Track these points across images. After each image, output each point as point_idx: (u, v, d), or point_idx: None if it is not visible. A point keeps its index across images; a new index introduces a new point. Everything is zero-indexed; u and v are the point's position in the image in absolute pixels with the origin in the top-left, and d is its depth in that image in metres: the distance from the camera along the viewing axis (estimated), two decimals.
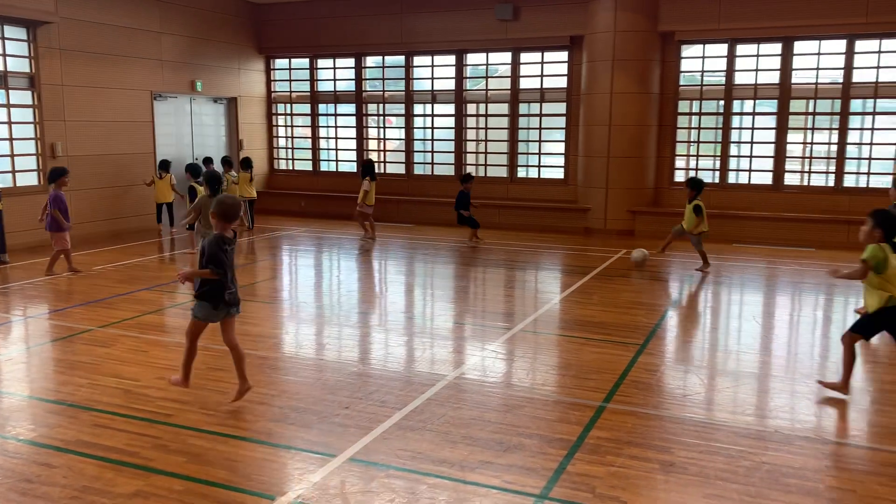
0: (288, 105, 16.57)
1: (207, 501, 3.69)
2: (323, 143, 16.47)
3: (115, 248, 11.40)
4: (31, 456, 4.22)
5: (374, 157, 15.94)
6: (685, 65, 13.39)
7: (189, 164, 12.11)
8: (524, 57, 14.29)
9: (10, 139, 11.25)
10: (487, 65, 14.85)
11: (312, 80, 16.19)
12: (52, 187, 9.26)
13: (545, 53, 14.10)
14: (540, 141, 14.52)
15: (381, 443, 4.39)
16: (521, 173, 14.72)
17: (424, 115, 15.40)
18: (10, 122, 11.22)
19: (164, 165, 12.78)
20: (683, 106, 13.46)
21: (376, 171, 13.33)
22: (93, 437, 4.46)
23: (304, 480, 3.92)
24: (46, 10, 11.25)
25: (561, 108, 14.15)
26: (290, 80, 16.50)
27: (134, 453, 4.23)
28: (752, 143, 13.13)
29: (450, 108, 15.02)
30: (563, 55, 13.93)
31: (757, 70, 12.82)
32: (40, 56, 11.40)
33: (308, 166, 16.54)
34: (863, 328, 5.24)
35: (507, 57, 14.39)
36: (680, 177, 13.65)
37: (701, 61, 13.27)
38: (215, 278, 4.80)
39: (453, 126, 15.01)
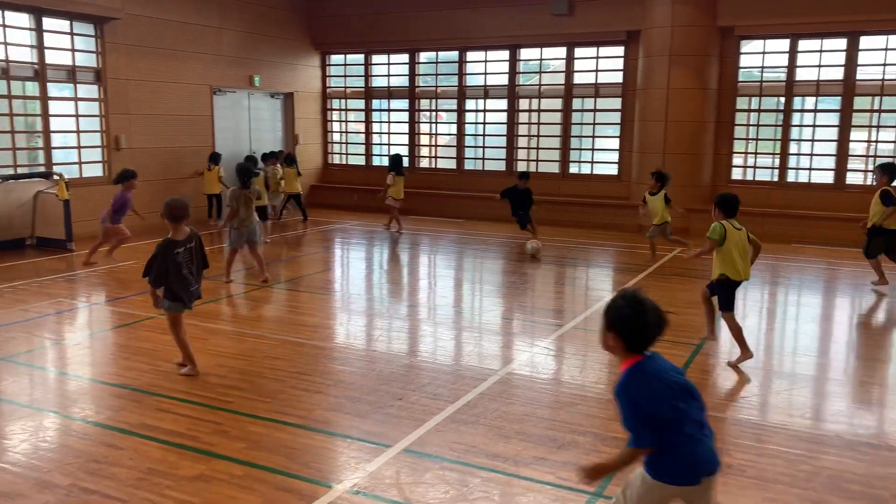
0: (342, 100, 16.75)
1: (266, 487, 3.78)
2: (376, 139, 16.61)
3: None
4: (98, 437, 4.38)
5: (425, 151, 16.07)
6: (744, 60, 13.09)
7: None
8: (579, 52, 14.17)
9: (78, 131, 11.65)
10: (541, 60, 14.76)
11: (367, 75, 16.34)
12: (119, 187, 9.55)
13: (600, 48, 13.96)
14: (594, 136, 14.39)
15: (434, 435, 4.44)
16: (574, 169, 14.61)
17: (476, 111, 15.40)
18: (77, 115, 11.62)
19: (214, 158, 13.05)
20: (742, 102, 13.17)
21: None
22: (156, 420, 4.61)
23: (360, 469, 3.99)
24: (113, 7, 11.59)
25: (616, 103, 14.00)
26: (345, 76, 16.67)
27: (195, 438, 4.36)
28: (812, 140, 12.80)
29: (502, 104, 14.99)
30: (619, 50, 13.78)
31: (820, 66, 12.47)
32: (107, 51, 11.77)
33: (361, 161, 16.70)
34: (714, 287, 6.10)
35: (561, 52, 14.29)
36: (738, 174, 13.39)
37: (761, 57, 12.97)
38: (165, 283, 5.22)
39: (505, 121, 14.98)
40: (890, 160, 10.96)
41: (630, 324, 2.73)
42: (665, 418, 2.68)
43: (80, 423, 4.61)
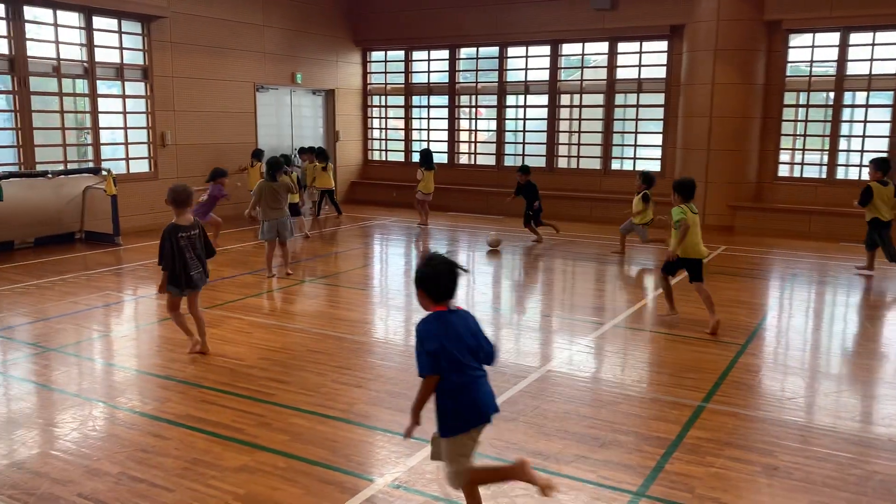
0: (382, 97, 16.83)
1: (309, 479, 3.82)
2: (415, 135, 16.65)
3: (218, 234, 11.88)
4: (145, 427, 4.47)
5: (465, 147, 16.05)
6: (792, 55, 12.81)
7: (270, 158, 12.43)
8: (621, 47, 14.01)
9: (125, 128, 11.90)
10: (583, 55, 14.63)
11: (407, 71, 16.39)
12: (209, 184, 10.22)
13: (644, 43, 13.78)
14: (636, 132, 14.22)
15: None
16: (616, 165, 14.45)
17: (517, 107, 15.34)
18: (125, 112, 11.87)
19: (257, 154, 13.14)
20: (790, 98, 12.89)
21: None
22: (201, 412, 4.69)
23: (401, 464, 4.00)
24: (159, 6, 11.81)
25: (659, 98, 13.81)
26: (386, 73, 16.74)
27: (240, 430, 4.42)
28: (863, 136, 12.46)
29: (543, 100, 14.90)
30: (663, 45, 13.59)
31: (872, 60, 12.13)
32: (153, 49, 12.00)
33: (401, 157, 16.76)
34: (667, 267, 6.83)
35: (603, 47, 14.15)
36: (784, 171, 13.11)
37: (810, 51, 12.67)
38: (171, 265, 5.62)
39: (546, 117, 14.89)
40: (883, 154, 10.98)
41: (428, 281, 3.33)
42: (448, 359, 3.19)
43: (127, 413, 4.71)
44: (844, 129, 12.66)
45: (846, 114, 12.63)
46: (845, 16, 11.92)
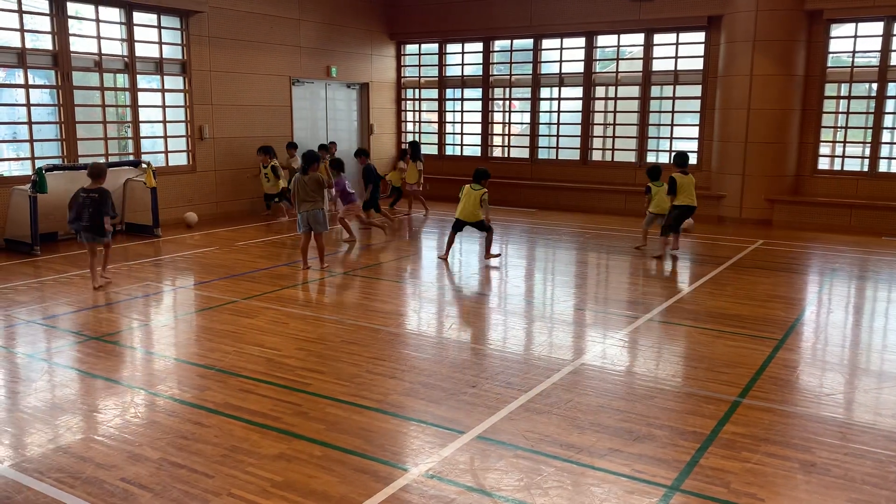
0: (416, 90, 16.86)
1: (344, 468, 3.88)
2: (449, 128, 16.66)
3: (253, 225, 12.06)
4: (185, 415, 4.57)
5: (498, 140, 16.03)
6: (834, 45, 12.55)
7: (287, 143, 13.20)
8: (658, 38, 13.85)
9: (164, 122, 12.10)
10: (619, 47, 14.49)
11: (441, 64, 16.39)
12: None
13: (680, 34, 13.61)
14: (672, 125, 14.06)
15: (508, 423, 4.45)
16: (651, 158, 14.30)
17: (551, 99, 15.25)
18: (164, 106, 12.07)
19: (291, 146, 13.23)
20: (830, 89, 12.63)
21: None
22: (240, 400, 4.78)
23: (435, 454, 4.04)
24: (198, 0, 11.97)
25: (696, 90, 13.63)
26: (419, 66, 16.76)
27: (277, 418, 4.50)
28: None
29: (577, 92, 14.79)
30: (700, 36, 13.40)
31: None
32: (191, 44, 12.17)
33: (434, 150, 16.78)
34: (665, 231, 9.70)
35: (639, 38, 14.00)
36: (825, 164, 12.86)
37: (852, 41, 12.39)
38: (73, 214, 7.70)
39: (580, 110, 14.79)
40: None
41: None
42: None
43: (167, 400, 4.82)
44: (888, 120, 12.37)
45: (890, 105, 12.33)
46: (889, 4, 11.63)
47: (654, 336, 6.42)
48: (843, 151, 12.72)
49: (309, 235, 8.82)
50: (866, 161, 12.45)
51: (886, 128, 12.36)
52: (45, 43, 10.54)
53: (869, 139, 12.42)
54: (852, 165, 12.63)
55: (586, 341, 6.30)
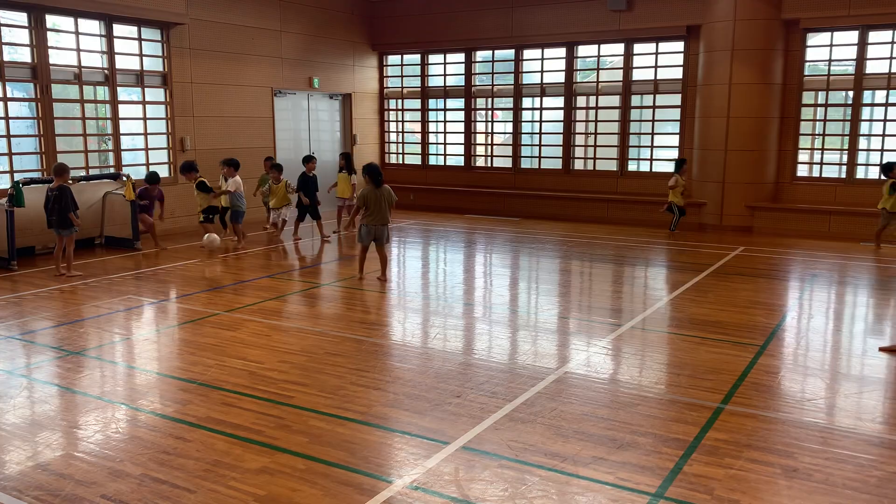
0: (399, 100, 16.88)
1: (328, 480, 3.85)
2: (432, 138, 16.69)
3: (234, 237, 11.98)
4: (167, 429, 4.53)
5: (481, 150, 16.07)
6: (811, 54, 12.72)
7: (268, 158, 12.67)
8: (637, 48, 13.98)
9: (145, 134, 12.04)
10: (599, 57, 14.60)
11: (423, 75, 16.43)
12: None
13: (660, 44, 13.74)
14: (653, 134, 14.18)
15: (492, 433, 4.45)
16: (632, 167, 14.42)
17: (533, 109, 15.33)
18: (145, 118, 12.01)
19: (276, 167, 12.02)
20: (808, 97, 12.80)
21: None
22: (222, 414, 4.74)
23: (419, 465, 4.03)
24: (178, 12, 11.94)
25: (675, 99, 13.76)
26: (402, 76, 16.79)
27: (260, 432, 4.47)
28: (883, 135, 12.33)
29: (559, 102, 14.89)
30: (679, 45, 13.54)
31: (892, 58, 12.02)
32: (172, 55, 12.13)
33: (418, 160, 16.80)
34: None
35: (619, 48, 14.12)
36: (803, 171, 13.02)
37: (828, 50, 12.57)
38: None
39: (562, 119, 14.87)
40: None
41: None
42: None
43: (149, 415, 4.77)
44: (864, 128, 12.55)
45: (866, 113, 12.52)
46: (864, 14, 11.83)
47: (637, 343, 6.44)
48: (822, 158, 12.88)
49: (368, 247, 8.90)
50: (844, 168, 12.61)
51: (863, 135, 12.53)
52: (24, 55, 10.47)
53: (846, 146, 12.59)
54: (830, 172, 12.79)
55: (570, 349, 6.31)
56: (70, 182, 8.97)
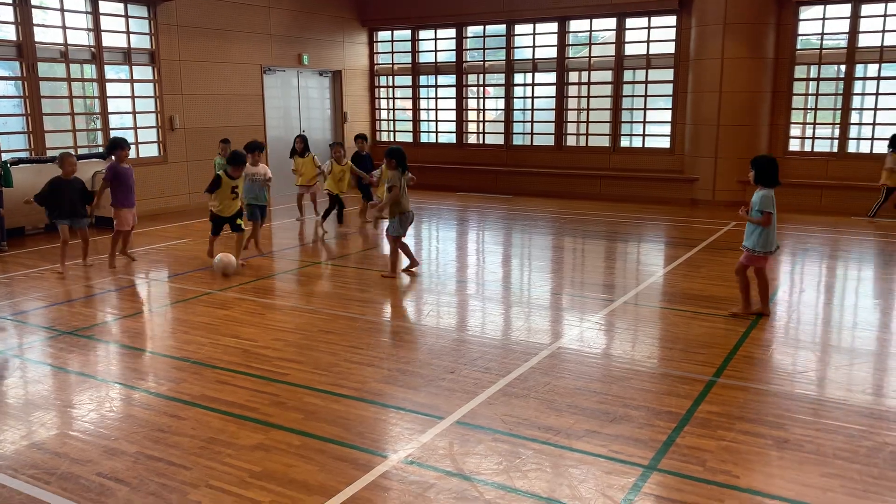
0: (390, 77, 16.76)
1: (323, 456, 3.87)
2: (423, 115, 16.59)
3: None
4: (161, 408, 4.53)
5: (473, 127, 16.00)
6: (803, 27, 12.67)
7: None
8: (629, 22, 13.88)
9: (134, 112, 11.93)
10: (591, 31, 14.50)
11: (414, 51, 16.29)
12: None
13: (652, 18, 13.65)
14: (645, 109, 14.13)
15: (486, 407, 4.47)
16: (625, 142, 14.39)
17: (525, 85, 15.24)
18: (133, 97, 11.89)
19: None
20: (800, 71, 12.77)
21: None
22: (216, 392, 4.75)
23: (414, 440, 4.05)
24: None
25: (668, 74, 13.70)
26: (392, 52, 16.65)
27: (254, 409, 4.47)
28: (875, 109, 12.33)
29: (551, 77, 14.80)
30: (671, 20, 13.46)
31: (884, 31, 11.98)
32: (160, 33, 11.98)
33: (409, 138, 16.71)
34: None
35: (611, 23, 14.03)
36: (795, 146, 13.02)
37: (821, 23, 12.52)
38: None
39: (554, 95, 14.80)
40: None
41: None
42: None
43: (143, 394, 4.77)
44: (856, 101, 12.53)
45: (858, 86, 12.50)
46: None
47: (629, 318, 6.47)
48: (814, 133, 12.88)
49: (398, 240, 7.92)
50: (835, 142, 12.62)
51: (855, 109, 12.52)
52: (9, 33, 10.32)
53: (838, 120, 12.58)
54: (822, 146, 12.80)
55: (563, 325, 6.33)
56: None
